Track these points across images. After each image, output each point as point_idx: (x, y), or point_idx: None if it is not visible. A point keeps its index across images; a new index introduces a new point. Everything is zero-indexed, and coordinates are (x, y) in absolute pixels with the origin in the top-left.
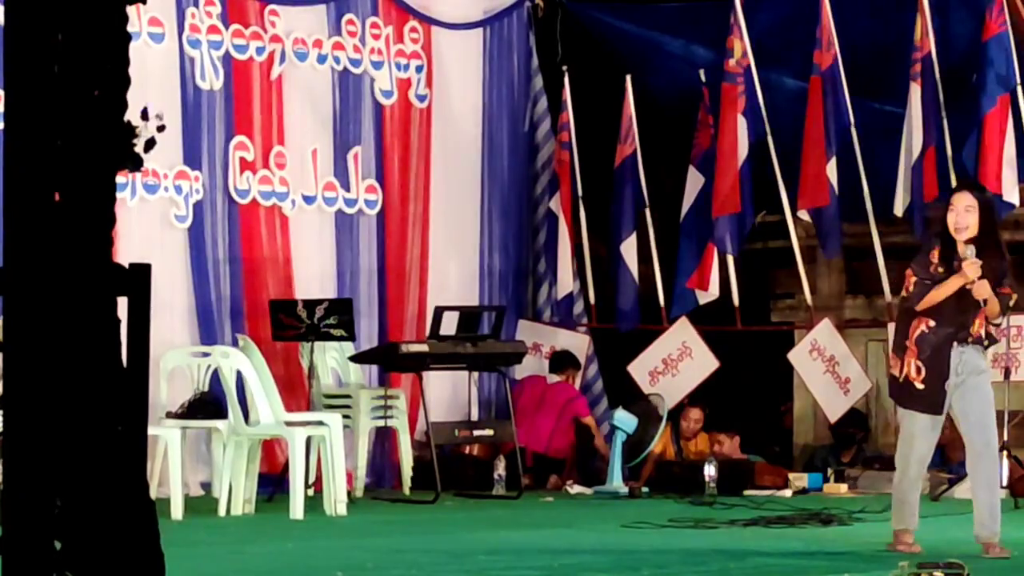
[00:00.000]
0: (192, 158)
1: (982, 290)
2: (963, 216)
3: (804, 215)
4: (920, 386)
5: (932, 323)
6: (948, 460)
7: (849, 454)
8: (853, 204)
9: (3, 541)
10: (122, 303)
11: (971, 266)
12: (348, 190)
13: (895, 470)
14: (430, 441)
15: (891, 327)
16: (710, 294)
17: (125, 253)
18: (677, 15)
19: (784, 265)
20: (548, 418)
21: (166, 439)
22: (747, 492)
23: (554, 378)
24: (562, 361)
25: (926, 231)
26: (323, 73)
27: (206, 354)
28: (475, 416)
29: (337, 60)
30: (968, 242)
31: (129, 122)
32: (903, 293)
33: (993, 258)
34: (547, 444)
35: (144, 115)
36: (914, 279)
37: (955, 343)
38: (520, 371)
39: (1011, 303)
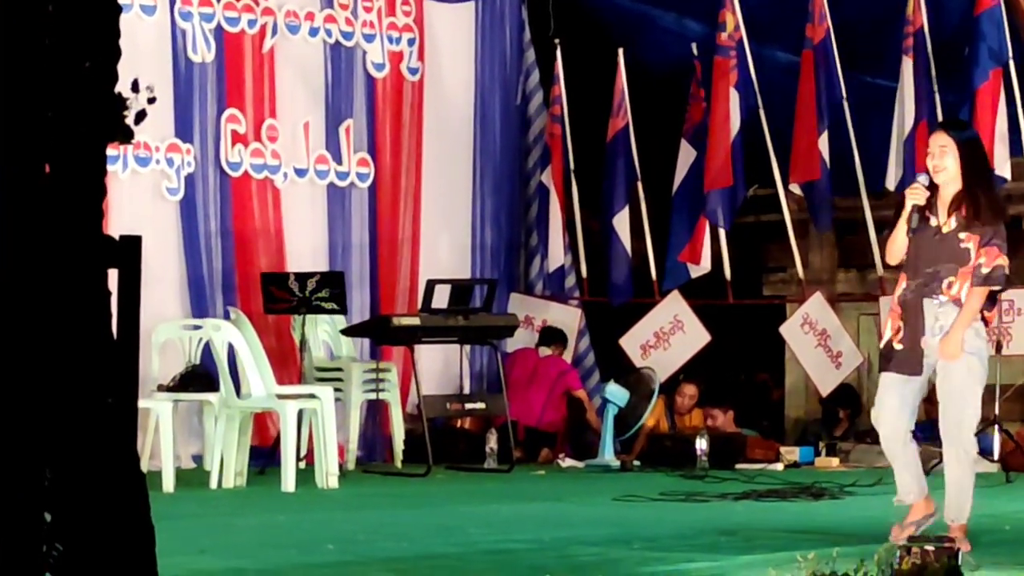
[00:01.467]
0: (184, 131)
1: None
2: (938, 157)
3: (796, 189)
4: (899, 346)
5: (907, 277)
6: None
7: (840, 428)
8: (845, 178)
9: None
10: (112, 275)
11: (911, 191)
12: (340, 163)
13: None
14: (422, 414)
15: (883, 301)
16: (702, 268)
17: (116, 226)
18: None
19: (776, 239)
20: (540, 391)
21: (158, 412)
22: (739, 466)
23: (545, 351)
24: (552, 336)
25: None
26: (315, 46)
27: (198, 327)
28: (467, 389)
29: (329, 33)
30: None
31: (120, 94)
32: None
33: (978, 209)
34: (539, 417)
35: (135, 87)
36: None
37: (924, 297)
38: (511, 344)
39: (998, 269)
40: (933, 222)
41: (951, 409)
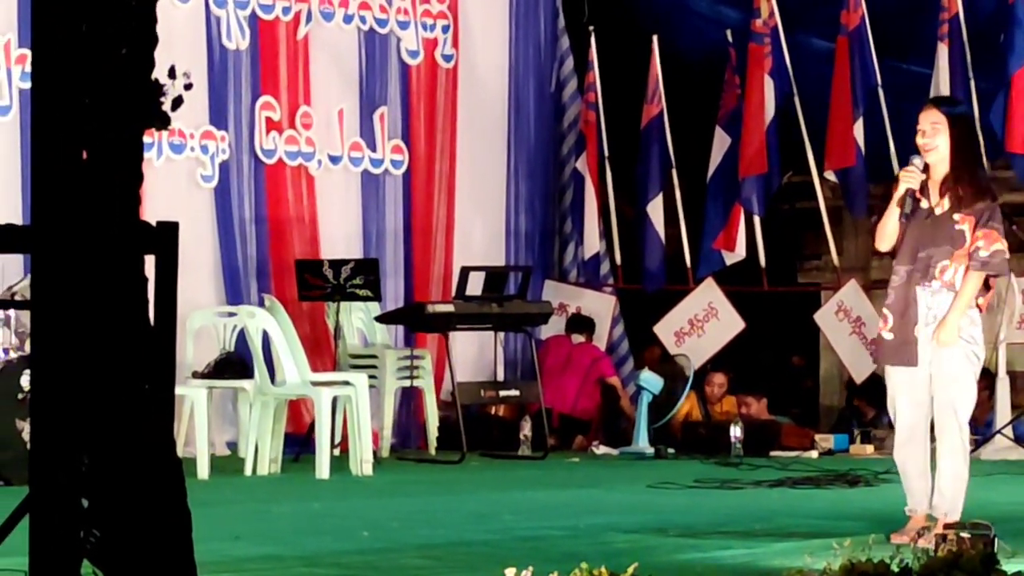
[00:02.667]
0: (218, 118)
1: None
2: (930, 135)
3: (831, 176)
4: (888, 336)
5: (898, 265)
6: (974, 420)
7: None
8: (880, 165)
9: (31, 499)
10: (149, 262)
11: (905, 172)
12: (374, 150)
13: None
14: (456, 401)
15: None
16: (736, 255)
17: (151, 213)
18: None
19: (811, 226)
20: (574, 379)
21: (192, 399)
22: (773, 453)
23: (578, 338)
24: (580, 323)
25: None
26: (349, 33)
27: (232, 314)
28: (501, 376)
29: (363, 20)
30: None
31: (156, 80)
32: None
33: (968, 189)
34: (573, 404)
35: (171, 74)
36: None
37: (917, 285)
38: (545, 331)
39: (998, 255)
40: (924, 204)
41: (945, 397)
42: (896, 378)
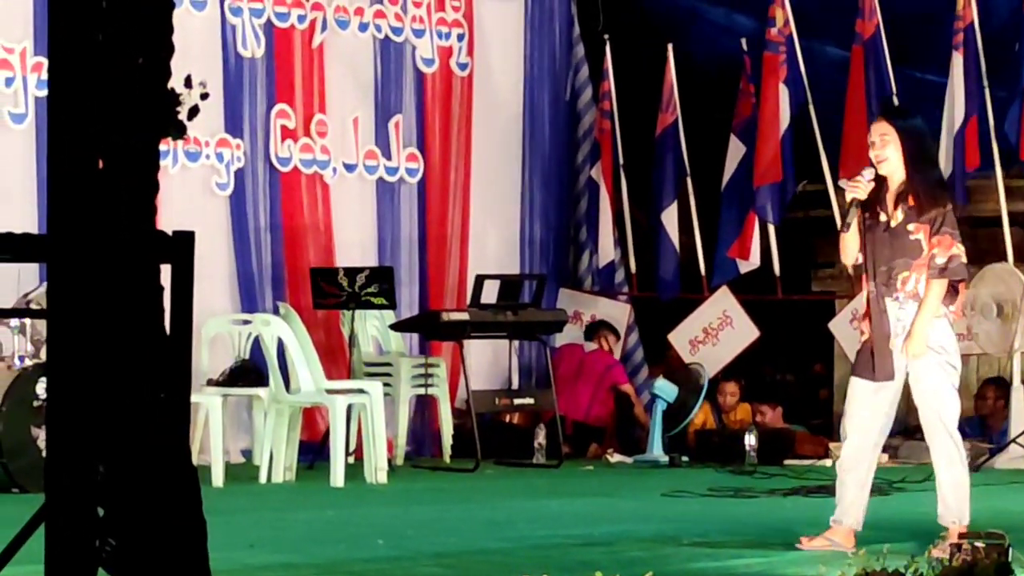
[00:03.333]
0: (234, 126)
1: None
2: (880, 147)
3: (845, 184)
4: (868, 347)
5: (868, 278)
6: (989, 430)
7: None
8: None
9: (47, 507)
10: (165, 270)
11: (850, 185)
12: (389, 158)
13: None
14: (470, 409)
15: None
16: (751, 263)
17: (166, 221)
18: None
19: (825, 234)
20: (587, 386)
21: (207, 406)
22: (787, 462)
23: (591, 346)
24: (595, 328)
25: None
26: (364, 41)
27: (247, 322)
28: (515, 384)
29: (379, 28)
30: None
31: (173, 89)
32: None
33: (920, 198)
34: (586, 412)
35: (187, 83)
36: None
37: (886, 297)
38: (560, 340)
39: (955, 260)
40: (883, 217)
41: (928, 409)
42: (862, 387)
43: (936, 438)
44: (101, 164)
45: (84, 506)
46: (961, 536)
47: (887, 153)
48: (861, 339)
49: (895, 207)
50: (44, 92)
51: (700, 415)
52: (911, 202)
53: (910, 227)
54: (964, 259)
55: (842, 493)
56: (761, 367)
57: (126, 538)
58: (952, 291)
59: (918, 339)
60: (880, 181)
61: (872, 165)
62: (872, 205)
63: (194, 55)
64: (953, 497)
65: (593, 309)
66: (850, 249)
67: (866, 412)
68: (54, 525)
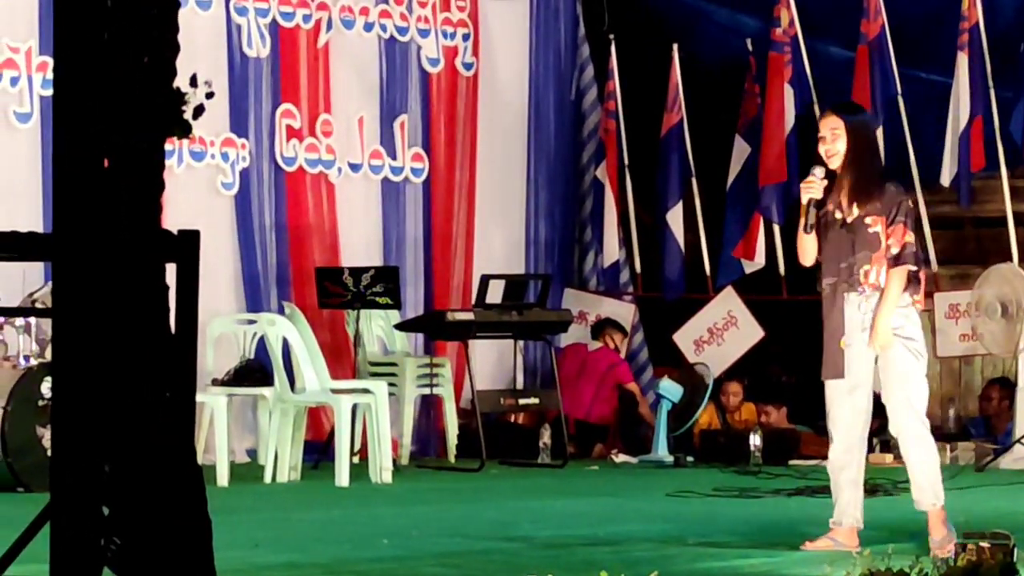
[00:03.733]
0: (239, 126)
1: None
2: (830, 142)
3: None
4: (829, 348)
5: (824, 277)
6: (994, 430)
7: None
8: (899, 174)
9: (52, 506)
10: (170, 269)
11: (805, 184)
12: (394, 158)
13: (943, 441)
14: (475, 409)
15: (938, 297)
16: (756, 263)
17: (171, 220)
18: None
19: None
20: (589, 384)
21: (212, 406)
22: (792, 462)
23: (595, 345)
24: (600, 326)
25: None
26: (369, 41)
27: (252, 321)
28: (520, 384)
29: (384, 28)
30: (832, 171)
31: (178, 89)
32: None
33: (873, 190)
34: (587, 410)
35: (193, 82)
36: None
37: (845, 293)
38: (565, 340)
39: (908, 247)
40: (838, 214)
41: (897, 393)
42: (834, 388)
43: (907, 424)
44: (106, 163)
45: (89, 505)
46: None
47: (838, 147)
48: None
49: (850, 203)
50: (49, 91)
51: (705, 415)
52: (865, 195)
53: (867, 220)
54: (915, 247)
55: (837, 494)
56: (766, 367)
57: (131, 537)
58: (915, 280)
59: (882, 330)
60: (830, 178)
61: (821, 162)
62: (824, 202)
63: (199, 55)
64: (926, 479)
65: (598, 309)
66: (809, 250)
67: (846, 412)
68: (59, 524)
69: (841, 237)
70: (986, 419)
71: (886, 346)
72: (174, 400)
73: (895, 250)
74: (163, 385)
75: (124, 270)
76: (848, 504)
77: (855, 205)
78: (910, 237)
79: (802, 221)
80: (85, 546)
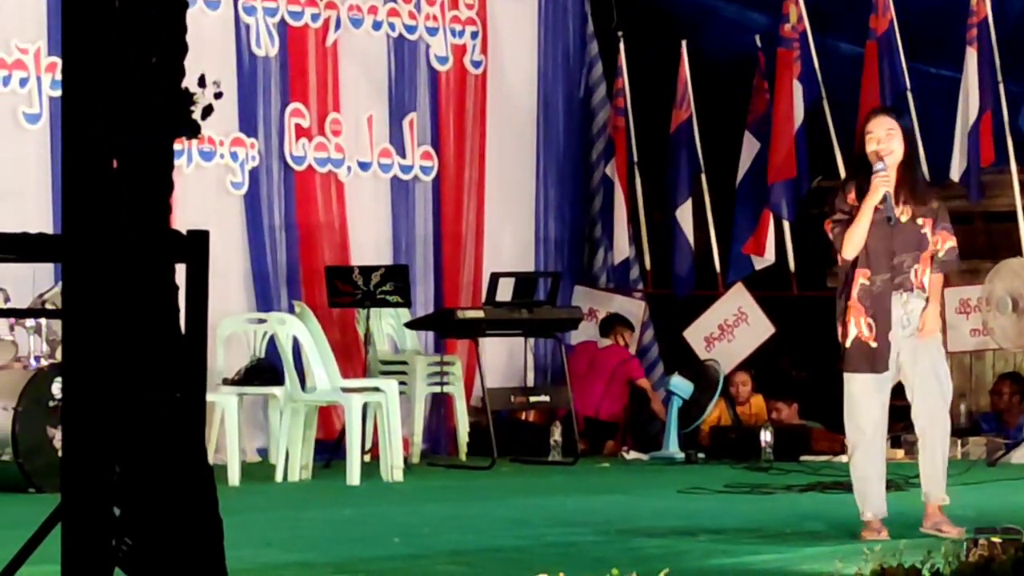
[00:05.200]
0: (248, 125)
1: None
2: (885, 141)
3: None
4: (874, 344)
5: (868, 272)
6: (1005, 425)
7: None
8: None
9: (63, 507)
10: (180, 270)
11: (879, 178)
12: (404, 156)
13: (954, 436)
14: (486, 407)
15: (947, 292)
16: (766, 259)
17: (180, 220)
18: None
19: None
20: (599, 381)
21: (223, 406)
22: (803, 458)
23: (604, 342)
24: (610, 322)
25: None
26: (378, 40)
27: (262, 320)
28: (531, 382)
29: (392, 27)
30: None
31: (187, 89)
32: (836, 255)
33: (922, 192)
34: (597, 407)
35: (201, 82)
36: (832, 227)
37: (893, 291)
38: (575, 337)
39: (952, 252)
40: (889, 212)
41: (933, 388)
42: (866, 383)
43: (938, 416)
44: (115, 164)
45: (100, 506)
46: (978, 531)
47: (893, 146)
48: (854, 336)
49: (904, 202)
50: (58, 92)
51: (715, 411)
52: (915, 195)
53: (919, 220)
54: (956, 249)
55: (868, 489)
56: (776, 362)
57: (142, 538)
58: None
59: (934, 317)
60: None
61: (880, 160)
62: (890, 195)
63: (208, 54)
64: (944, 474)
65: (608, 306)
66: (858, 242)
67: (876, 407)
68: (70, 525)
69: (890, 233)
70: (997, 414)
71: (933, 332)
72: (184, 400)
73: (942, 255)
74: (173, 385)
75: (133, 271)
76: (879, 497)
77: (908, 205)
78: (952, 241)
79: (870, 215)
80: (96, 547)
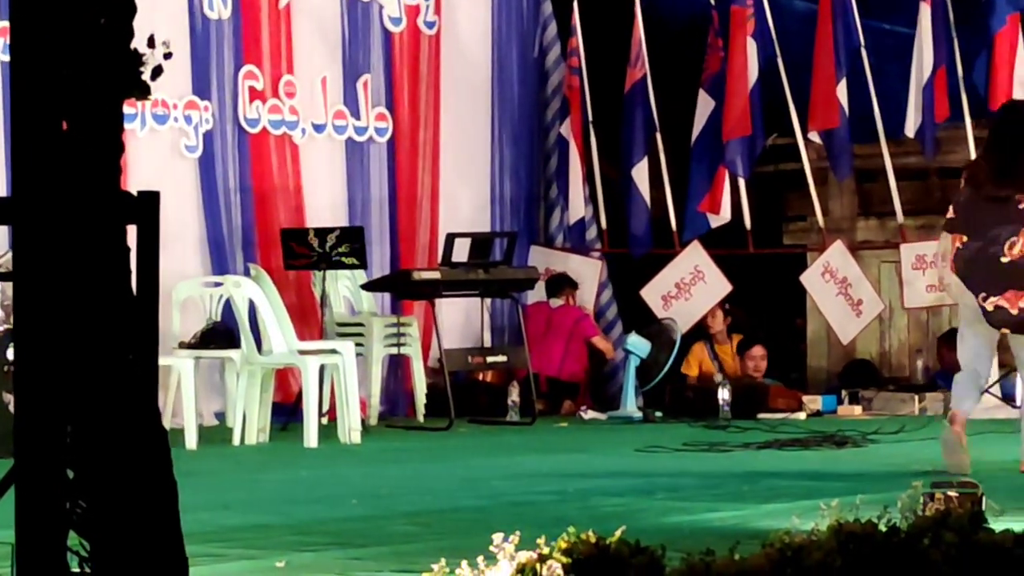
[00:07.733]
0: (201, 88)
1: None
2: None
3: (815, 137)
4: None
5: (964, 237)
6: None
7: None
8: (864, 125)
9: (16, 470)
10: (131, 232)
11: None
12: (358, 118)
13: (911, 392)
14: (443, 368)
15: (904, 248)
16: (722, 217)
17: (135, 183)
18: None
19: (795, 187)
20: (558, 341)
21: (179, 369)
22: (761, 415)
23: (556, 302)
24: (559, 283)
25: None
26: (331, 1)
27: (218, 284)
28: (488, 343)
29: None
30: None
31: (136, 50)
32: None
33: (1018, 171)
34: (559, 368)
35: (151, 43)
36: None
37: (986, 257)
38: (531, 297)
39: None
40: (987, 187)
41: None
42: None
43: None
44: (65, 126)
45: (53, 469)
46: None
47: None
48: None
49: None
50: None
51: (695, 362)
52: (1014, 175)
53: (1018, 196)
54: None
55: (961, 394)
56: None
57: (96, 500)
58: None
59: None
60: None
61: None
62: (975, 173)
63: (161, 18)
64: None
65: (564, 266)
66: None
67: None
68: (24, 488)
69: (990, 207)
70: (947, 370)
71: None
72: (136, 362)
73: None
74: (125, 347)
75: (84, 233)
76: (968, 400)
77: (1005, 183)
78: None
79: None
80: (50, 510)
